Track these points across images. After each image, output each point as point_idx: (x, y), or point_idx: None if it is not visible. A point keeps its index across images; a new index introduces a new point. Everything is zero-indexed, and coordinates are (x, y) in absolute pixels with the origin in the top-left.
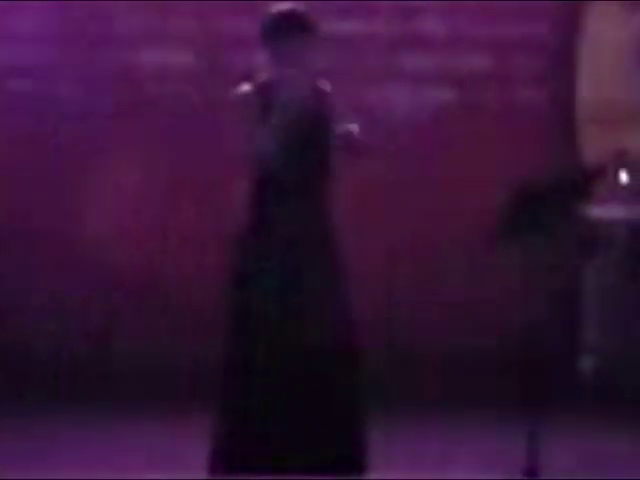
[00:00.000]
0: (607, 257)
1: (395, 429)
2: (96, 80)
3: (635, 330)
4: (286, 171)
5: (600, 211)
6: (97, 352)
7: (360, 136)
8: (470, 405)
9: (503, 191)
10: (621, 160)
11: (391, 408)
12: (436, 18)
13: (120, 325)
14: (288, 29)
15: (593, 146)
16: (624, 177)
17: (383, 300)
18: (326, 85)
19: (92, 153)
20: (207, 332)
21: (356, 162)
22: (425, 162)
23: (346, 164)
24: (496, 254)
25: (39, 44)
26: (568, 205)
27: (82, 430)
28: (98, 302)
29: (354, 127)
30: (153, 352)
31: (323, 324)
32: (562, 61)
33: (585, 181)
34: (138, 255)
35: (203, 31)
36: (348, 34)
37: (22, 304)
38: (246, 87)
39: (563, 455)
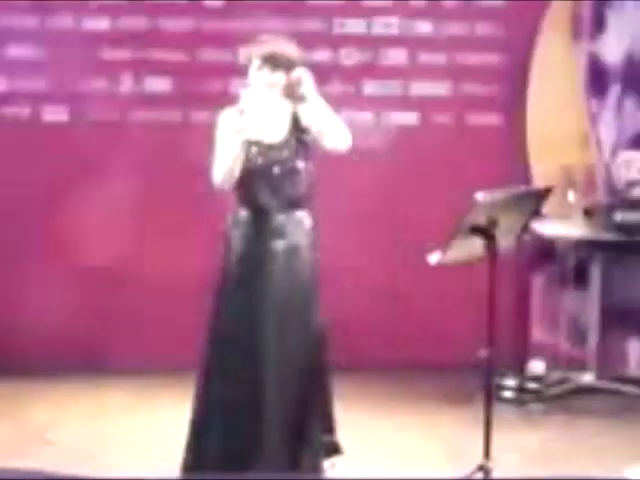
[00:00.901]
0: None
1: None
2: None
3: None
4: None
5: (548, 227)
6: None
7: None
8: None
9: (458, 207)
10: (568, 179)
11: None
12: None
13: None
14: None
15: (542, 166)
16: (571, 196)
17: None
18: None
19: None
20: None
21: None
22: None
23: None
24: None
25: None
26: (519, 220)
27: None
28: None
29: (297, 75)
30: None
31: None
32: (515, 87)
33: (534, 199)
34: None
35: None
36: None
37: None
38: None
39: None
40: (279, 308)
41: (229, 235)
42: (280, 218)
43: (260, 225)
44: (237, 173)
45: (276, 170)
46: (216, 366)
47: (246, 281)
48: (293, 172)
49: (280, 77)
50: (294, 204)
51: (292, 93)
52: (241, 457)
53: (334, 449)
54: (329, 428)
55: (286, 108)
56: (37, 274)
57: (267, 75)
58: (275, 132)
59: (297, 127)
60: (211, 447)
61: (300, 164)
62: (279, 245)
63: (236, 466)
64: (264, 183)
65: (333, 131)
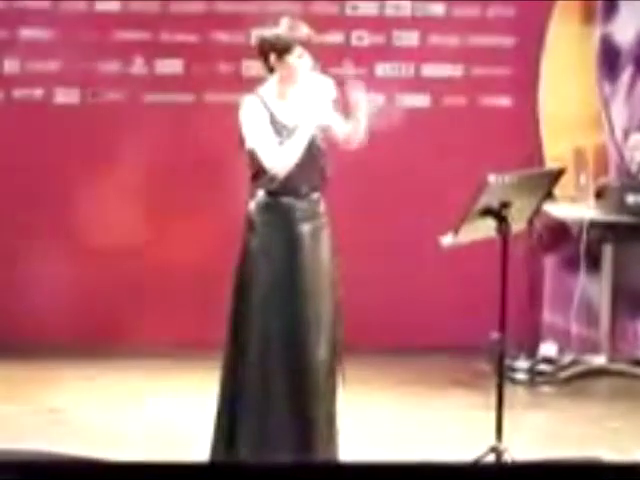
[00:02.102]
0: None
1: None
2: None
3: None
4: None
5: (560, 209)
6: None
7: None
8: None
9: (470, 189)
10: (580, 161)
11: None
12: (409, 29)
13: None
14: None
15: (555, 148)
16: (583, 178)
17: None
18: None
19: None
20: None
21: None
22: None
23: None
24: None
25: None
26: (531, 202)
27: None
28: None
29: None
30: None
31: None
32: (527, 69)
33: (547, 181)
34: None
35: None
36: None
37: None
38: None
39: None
40: (308, 290)
41: (253, 219)
42: (305, 201)
43: (285, 208)
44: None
45: (304, 153)
46: (239, 347)
47: (272, 265)
48: (318, 155)
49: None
50: (316, 187)
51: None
52: (274, 438)
53: None
54: None
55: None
56: (52, 256)
57: (308, 60)
58: (305, 115)
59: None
60: (243, 427)
61: (324, 147)
62: (305, 228)
63: (269, 447)
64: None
65: (356, 131)
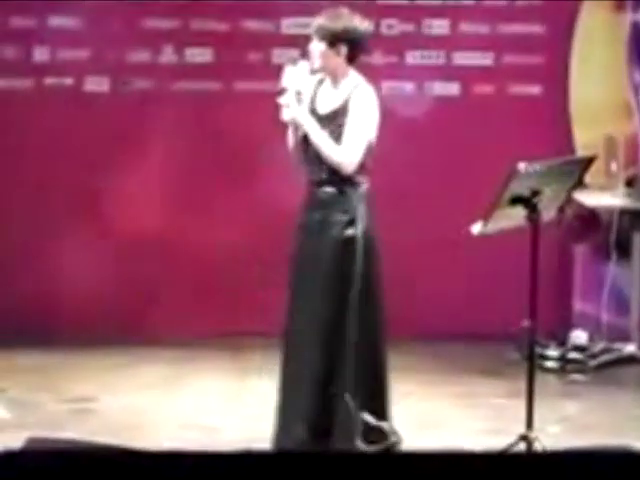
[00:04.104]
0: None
1: None
2: None
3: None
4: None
5: (590, 197)
6: None
7: None
8: None
9: (500, 178)
10: (610, 149)
11: None
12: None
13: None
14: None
15: (585, 136)
16: (614, 166)
17: None
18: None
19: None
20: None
21: None
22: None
23: None
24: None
25: None
26: (561, 190)
27: None
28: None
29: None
30: None
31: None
32: (557, 57)
33: (577, 169)
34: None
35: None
36: None
37: None
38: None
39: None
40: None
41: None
42: (327, 190)
43: (311, 196)
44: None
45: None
46: (291, 339)
47: (302, 252)
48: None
49: (316, 45)
50: (337, 175)
51: None
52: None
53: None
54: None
55: (348, 80)
56: (78, 245)
57: (316, 45)
58: (327, 103)
59: (345, 103)
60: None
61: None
62: (321, 215)
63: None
64: (312, 155)
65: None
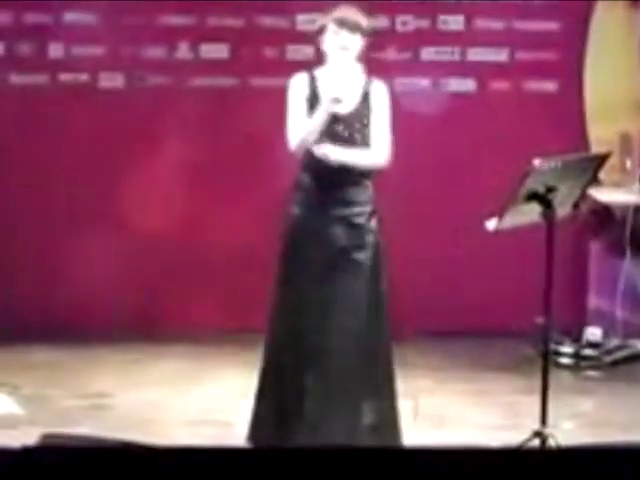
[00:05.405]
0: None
1: None
2: None
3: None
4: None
5: (605, 194)
6: None
7: None
8: None
9: (515, 174)
10: (626, 146)
11: None
12: (454, 13)
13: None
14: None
15: (600, 133)
16: (629, 163)
17: None
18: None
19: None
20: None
21: None
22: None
23: None
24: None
25: None
26: (576, 187)
27: None
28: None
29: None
30: None
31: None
32: (572, 54)
33: (592, 165)
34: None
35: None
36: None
37: None
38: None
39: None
40: (346, 277)
41: (290, 198)
42: (343, 187)
43: (321, 191)
44: (312, 143)
45: (343, 137)
46: (280, 334)
47: (308, 248)
48: (356, 142)
49: (357, 40)
50: (354, 173)
51: None
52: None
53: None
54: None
55: (359, 76)
56: (95, 241)
57: (346, 36)
58: (347, 102)
59: (365, 100)
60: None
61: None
62: (341, 212)
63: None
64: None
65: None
